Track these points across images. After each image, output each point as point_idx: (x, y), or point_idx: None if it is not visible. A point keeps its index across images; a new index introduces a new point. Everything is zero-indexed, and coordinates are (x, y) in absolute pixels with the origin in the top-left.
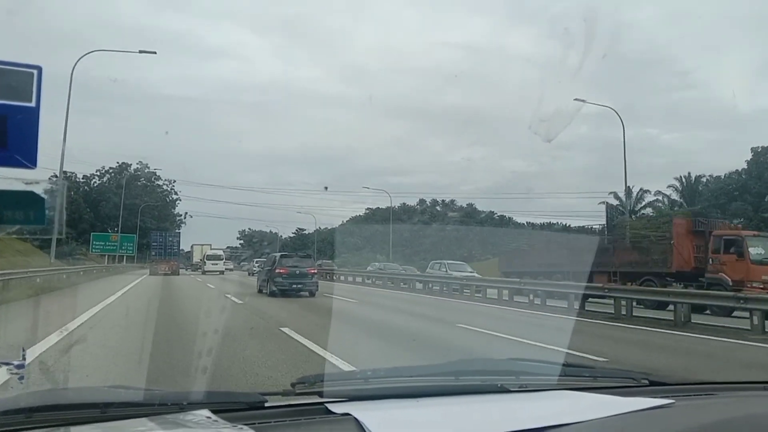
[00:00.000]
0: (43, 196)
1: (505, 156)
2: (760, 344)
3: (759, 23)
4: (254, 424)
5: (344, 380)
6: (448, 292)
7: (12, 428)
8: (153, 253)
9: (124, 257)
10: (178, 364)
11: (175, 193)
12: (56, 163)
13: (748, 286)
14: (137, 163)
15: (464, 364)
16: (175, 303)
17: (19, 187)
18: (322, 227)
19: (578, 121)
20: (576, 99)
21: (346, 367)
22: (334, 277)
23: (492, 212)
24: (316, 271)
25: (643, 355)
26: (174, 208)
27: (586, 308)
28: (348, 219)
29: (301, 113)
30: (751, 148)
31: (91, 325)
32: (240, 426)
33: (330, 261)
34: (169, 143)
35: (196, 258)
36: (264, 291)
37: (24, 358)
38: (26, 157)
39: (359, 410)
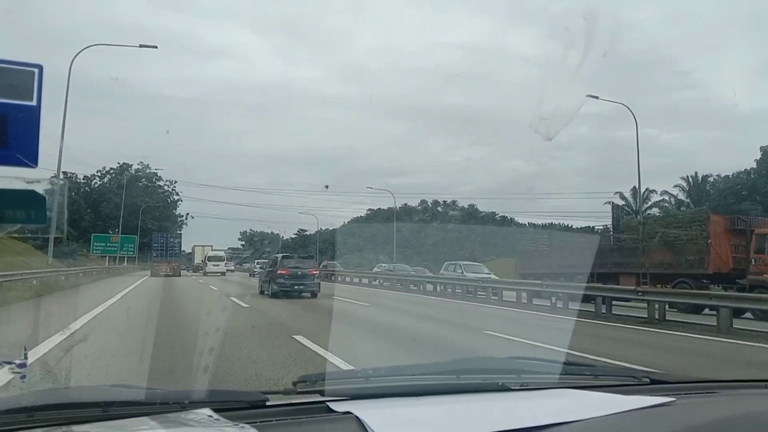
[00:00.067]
0: (44, 195)
1: (506, 156)
2: None
3: (759, 23)
4: (256, 422)
5: (345, 379)
6: (461, 294)
7: (14, 427)
8: (154, 254)
9: (125, 258)
10: (182, 381)
11: (177, 194)
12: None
13: None
14: (138, 164)
15: (465, 362)
16: (176, 306)
17: (21, 186)
18: (323, 228)
19: (579, 121)
20: (588, 95)
21: None
22: (339, 278)
23: (493, 213)
24: (317, 272)
25: (699, 365)
26: (175, 209)
27: (613, 312)
28: (349, 220)
29: (301, 113)
30: (761, 147)
31: (82, 335)
32: (242, 425)
33: (335, 262)
34: (169, 144)
35: (198, 259)
36: (266, 292)
37: (26, 357)
38: (27, 156)
39: (361, 409)
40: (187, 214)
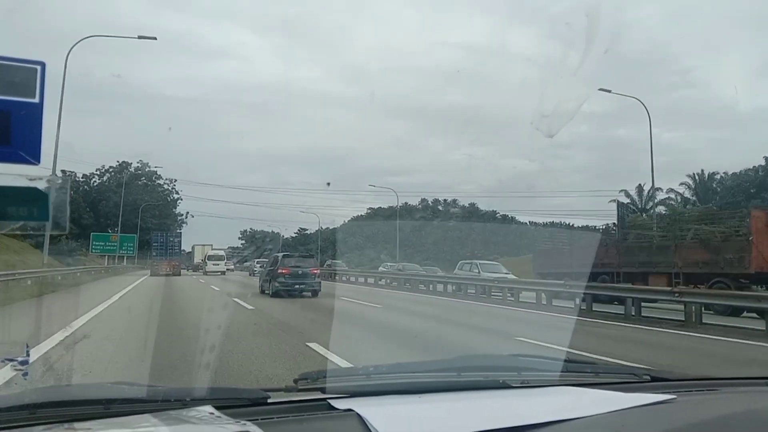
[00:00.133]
0: (46, 192)
1: (506, 155)
2: None
3: (759, 23)
4: (257, 420)
5: (347, 376)
6: (475, 294)
7: (16, 424)
8: (154, 254)
9: (125, 257)
10: (183, 378)
11: (176, 193)
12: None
13: None
14: (137, 162)
15: (466, 360)
16: (177, 307)
17: (23, 183)
18: (324, 227)
19: (580, 119)
20: (601, 89)
21: None
22: (341, 278)
23: (494, 211)
24: (318, 271)
25: None
26: (175, 208)
27: (642, 314)
28: (350, 219)
29: (301, 113)
30: None
31: (71, 342)
32: (243, 422)
33: (339, 261)
34: (169, 143)
35: (197, 258)
36: (266, 291)
37: (28, 355)
38: (30, 153)
39: (362, 406)
40: (187, 212)
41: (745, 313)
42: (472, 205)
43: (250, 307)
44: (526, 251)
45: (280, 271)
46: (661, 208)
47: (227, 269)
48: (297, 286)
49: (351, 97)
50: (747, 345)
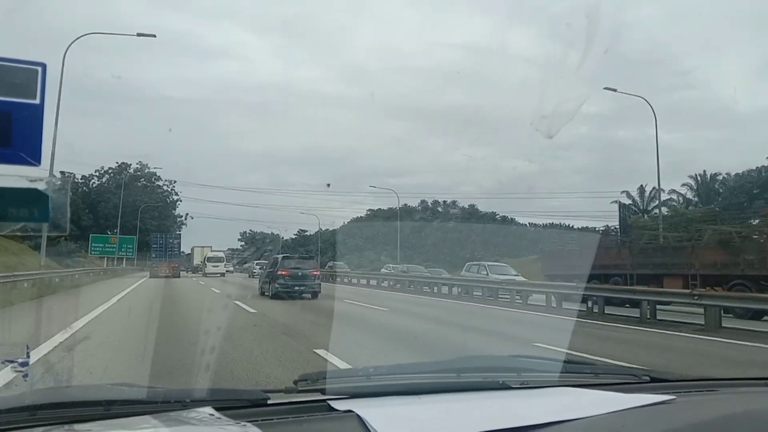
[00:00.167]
0: (47, 193)
1: (506, 156)
2: None
3: (759, 23)
4: (257, 421)
5: (346, 377)
6: (481, 297)
7: (16, 426)
8: (153, 255)
9: (124, 259)
10: (183, 380)
11: (176, 194)
12: (60, 164)
13: None
14: (137, 163)
15: (466, 361)
16: (177, 311)
17: (24, 184)
18: (324, 229)
19: (579, 120)
20: (606, 87)
21: None
22: (341, 279)
23: (494, 212)
24: (318, 272)
25: None
26: (174, 209)
27: (657, 317)
28: (349, 220)
29: (301, 114)
30: None
31: (71, 344)
32: (243, 423)
33: (341, 262)
34: (169, 144)
35: (197, 260)
36: (266, 293)
37: (28, 356)
38: (30, 154)
39: (362, 407)
40: (187, 214)
41: (766, 317)
42: (472, 206)
43: (252, 310)
44: (526, 252)
45: (279, 272)
46: (663, 209)
47: (227, 271)
48: (297, 288)
49: (351, 98)
50: None
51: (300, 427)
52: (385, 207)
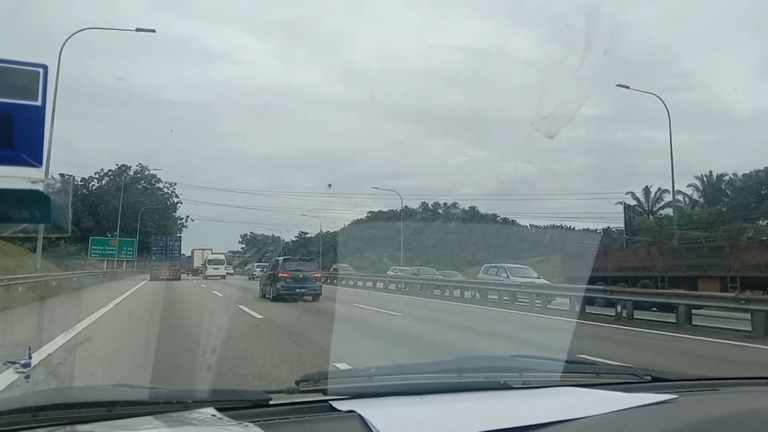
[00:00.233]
0: (48, 195)
1: (507, 158)
2: None
3: (759, 23)
4: (259, 421)
5: (348, 378)
6: (497, 301)
7: (18, 427)
8: (153, 258)
9: (124, 262)
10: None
11: (176, 196)
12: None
13: None
14: (137, 165)
15: (467, 361)
16: (178, 314)
17: (25, 185)
18: (325, 231)
19: (578, 122)
20: (618, 85)
21: None
22: (343, 282)
23: (495, 214)
24: (319, 274)
25: None
26: (175, 212)
27: (693, 322)
28: (350, 222)
29: (301, 116)
30: None
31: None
32: (245, 423)
33: (346, 265)
34: (169, 147)
35: (197, 263)
36: (267, 295)
37: (30, 357)
38: (32, 155)
39: (363, 407)
40: (187, 216)
41: None
42: (473, 208)
43: (259, 316)
44: (527, 254)
45: (281, 274)
46: (668, 210)
47: (227, 273)
48: (298, 290)
49: (351, 100)
50: None
51: (302, 428)
52: (385, 209)
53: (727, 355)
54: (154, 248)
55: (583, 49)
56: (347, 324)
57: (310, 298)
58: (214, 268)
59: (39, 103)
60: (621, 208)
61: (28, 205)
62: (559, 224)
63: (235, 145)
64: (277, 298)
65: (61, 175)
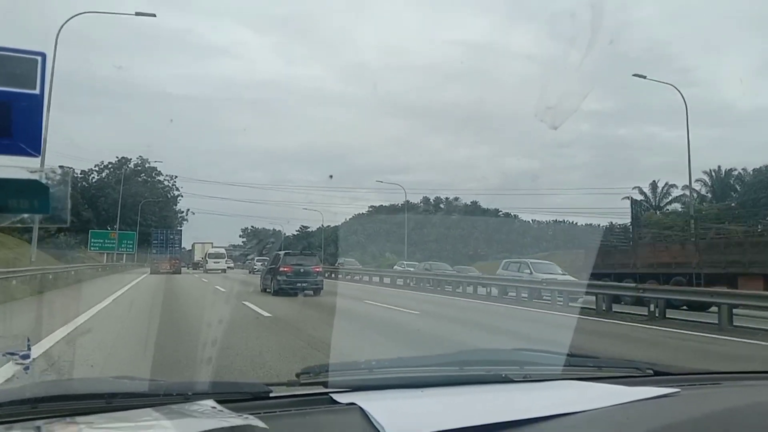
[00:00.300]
0: (47, 185)
1: (508, 153)
2: None
3: (759, 23)
4: (259, 413)
5: (349, 370)
6: (516, 298)
7: (17, 418)
8: (154, 251)
9: (124, 255)
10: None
11: (177, 189)
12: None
13: None
14: (137, 158)
15: (468, 354)
16: (181, 315)
17: (24, 175)
18: (326, 225)
19: (580, 118)
20: (635, 75)
21: None
22: (357, 277)
23: (497, 209)
24: (321, 269)
25: None
26: (175, 205)
27: (734, 323)
28: (351, 217)
29: (302, 111)
30: None
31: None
32: (245, 415)
33: (352, 260)
34: (170, 140)
35: (198, 256)
36: (268, 290)
37: (29, 349)
38: (30, 145)
39: (364, 400)
40: (188, 210)
41: None
42: (474, 203)
43: (267, 314)
44: (530, 249)
45: (281, 269)
46: (676, 206)
47: (228, 267)
48: (299, 284)
49: (352, 95)
50: None
51: (302, 420)
52: (387, 203)
53: None
54: (154, 241)
55: (586, 43)
56: (360, 322)
57: (311, 292)
58: (214, 262)
59: (37, 91)
60: (624, 203)
61: (26, 195)
62: (561, 219)
63: (236, 139)
64: (278, 293)
65: (61, 167)
